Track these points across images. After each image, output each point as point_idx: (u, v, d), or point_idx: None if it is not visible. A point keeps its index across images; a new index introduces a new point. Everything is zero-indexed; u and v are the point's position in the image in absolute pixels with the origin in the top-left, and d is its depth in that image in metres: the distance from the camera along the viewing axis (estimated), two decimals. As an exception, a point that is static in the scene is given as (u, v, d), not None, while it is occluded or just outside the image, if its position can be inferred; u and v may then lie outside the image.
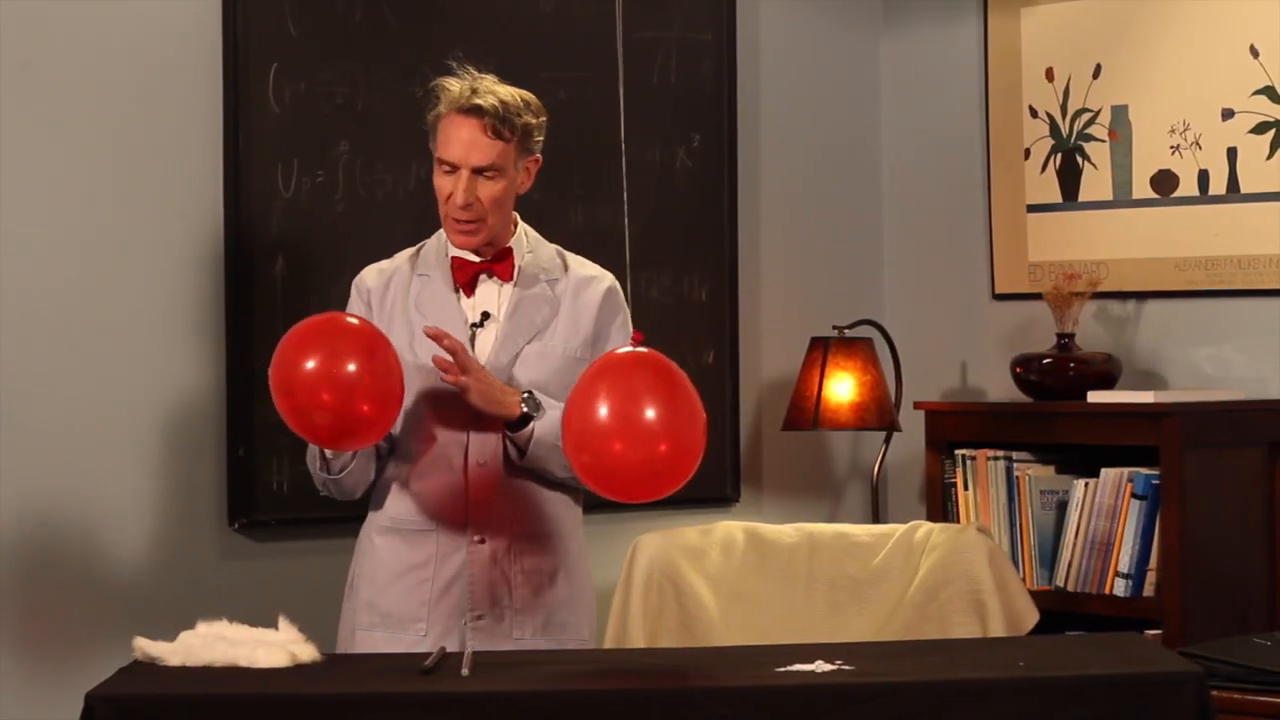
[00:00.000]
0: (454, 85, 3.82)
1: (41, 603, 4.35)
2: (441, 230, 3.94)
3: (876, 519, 5.32)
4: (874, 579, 4.84)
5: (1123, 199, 5.26)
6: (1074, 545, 4.94)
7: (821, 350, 5.25)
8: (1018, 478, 5.07)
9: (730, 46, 5.39)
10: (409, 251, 3.96)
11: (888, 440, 5.36)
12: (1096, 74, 5.30)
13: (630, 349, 3.49)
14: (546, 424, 3.75)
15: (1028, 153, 5.44)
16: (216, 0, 4.57)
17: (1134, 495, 4.83)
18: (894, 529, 4.92)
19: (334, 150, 4.72)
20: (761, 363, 5.48)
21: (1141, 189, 5.22)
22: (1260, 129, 5.00)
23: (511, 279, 3.88)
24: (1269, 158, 4.99)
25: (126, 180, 4.47)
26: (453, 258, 3.88)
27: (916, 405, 5.30)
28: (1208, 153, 5.09)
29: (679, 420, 3.39)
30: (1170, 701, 3.17)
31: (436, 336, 3.71)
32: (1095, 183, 5.30)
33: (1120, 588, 4.83)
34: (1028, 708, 3.16)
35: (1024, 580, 4.91)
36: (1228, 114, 5.05)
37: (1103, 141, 5.29)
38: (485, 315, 3.86)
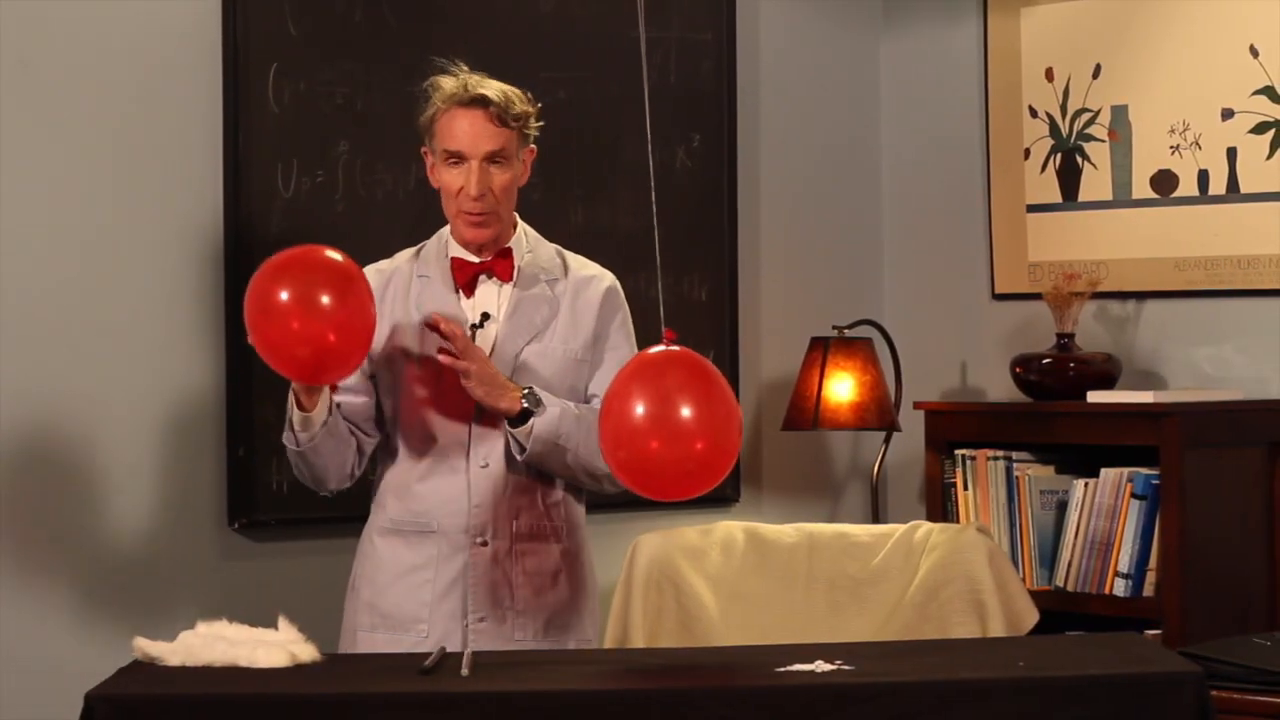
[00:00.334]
0: (448, 82, 3.83)
1: (41, 602, 4.35)
2: (442, 231, 3.93)
3: (876, 519, 5.32)
4: (874, 579, 4.84)
5: (1122, 199, 5.26)
6: (1074, 545, 4.94)
7: (821, 350, 5.25)
8: (1017, 478, 5.07)
9: (730, 46, 5.39)
10: (409, 252, 3.96)
11: (887, 440, 5.36)
12: (1096, 74, 5.30)
13: (664, 347, 3.48)
14: (547, 420, 3.75)
15: (1027, 153, 5.44)
16: (216, 0, 4.57)
17: (1134, 495, 4.83)
18: (894, 529, 4.93)
19: (334, 150, 4.72)
20: (761, 363, 5.48)
21: (1141, 189, 5.22)
22: (1260, 129, 5.00)
23: (511, 279, 3.88)
24: (1269, 158, 4.99)
25: (126, 180, 4.47)
26: (452, 258, 3.88)
27: (916, 405, 5.30)
28: (1207, 153, 5.09)
29: (715, 418, 3.39)
30: (1170, 701, 3.17)
31: (435, 324, 3.70)
32: (1095, 183, 5.30)
33: (1120, 588, 4.83)
34: (1028, 708, 3.16)
35: (1024, 580, 4.91)
36: (1227, 114, 5.05)
37: (1103, 141, 5.29)
38: (485, 316, 3.86)
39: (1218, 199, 5.08)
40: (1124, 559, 4.83)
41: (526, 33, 4.99)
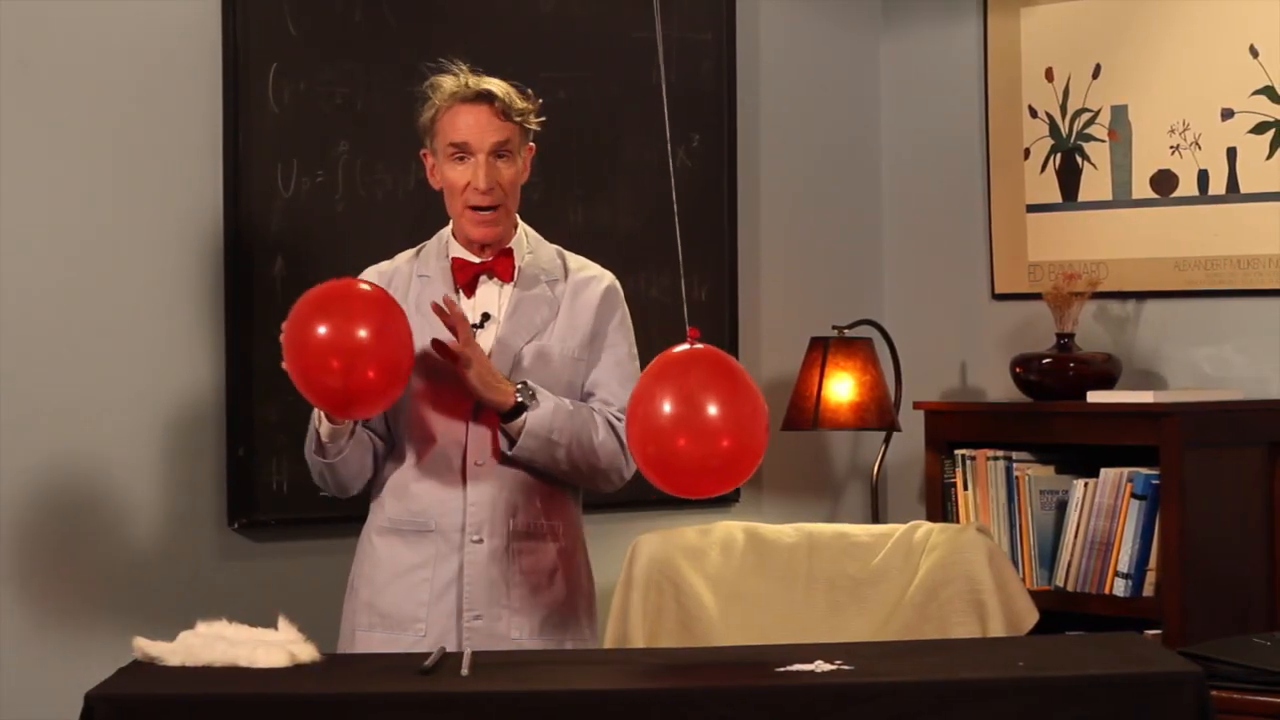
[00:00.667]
0: (449, 80, 3.83)
1: (41, 602, 4.35)
2: (442, 231, 3.93)
3: (876, 519, 5.32)
4: (874, 579, 4.84)
5: (1122, 199, 5.26)
6: (1074, 545, 4.94)
7: (821, 350, 5.25)
8: (1017, 478, 5.07)
9: (730, 46, 5.39)
10: (409, 253, 3.96)
11: (887, 440, 5.36)
12: (1096, 74, 5.30)
13: (688, 346, 3.48)
14: (540, 415, 3.74)
15: (1027, 153, 5.44)
16: (216, 0, 4.57)
17: (1134, 495, 4.83)
18: (894, 529, 4.92)
19: (334, 150, 4.72)
20: (761, 363, 5.48)
21: (1141, 189, 5.22)
22: (1260, 129, 5.00)
23: (511, 280, 3.88)
24: (1269, 158, 4.99)
25: (126, 180, 4.47)
26: (453, 258, 3.88)
27: (916, 405, 5.30)
28: (1207, 153, 5.09)
29: (741, 415, 3.39)
30: (1170, 701, 3.17)
31: (444, 308, 3.69)
32: (1095, 183, 5.30)
33: (1120, 588, 4.83)
34: (1028, 708, 3.15)
35: (1024, 580, 4.91)
36: (1227, 114, 5.05)
37: (1102, 141, 5.29)
38: (485, 316, 3.85)
39: (1218, 199, 5.08)
40: (1124, 559, 4.83)
41: (526, 33, 4.99)
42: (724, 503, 5.32)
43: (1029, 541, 5.04)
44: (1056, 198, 5.39)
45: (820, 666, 3.26)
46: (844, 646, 3.55)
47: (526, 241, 3.92)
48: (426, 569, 3.82)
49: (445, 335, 3.76)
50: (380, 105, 4.74)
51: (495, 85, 3.81)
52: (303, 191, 4.68)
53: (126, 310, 4.47)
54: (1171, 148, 5.16)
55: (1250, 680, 4.31)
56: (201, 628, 3.41)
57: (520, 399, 3.74)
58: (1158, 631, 4.69)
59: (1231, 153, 5.05)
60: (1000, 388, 5.42)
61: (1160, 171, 5.18)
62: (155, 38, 4.51)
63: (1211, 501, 4.78)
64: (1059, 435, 5.01)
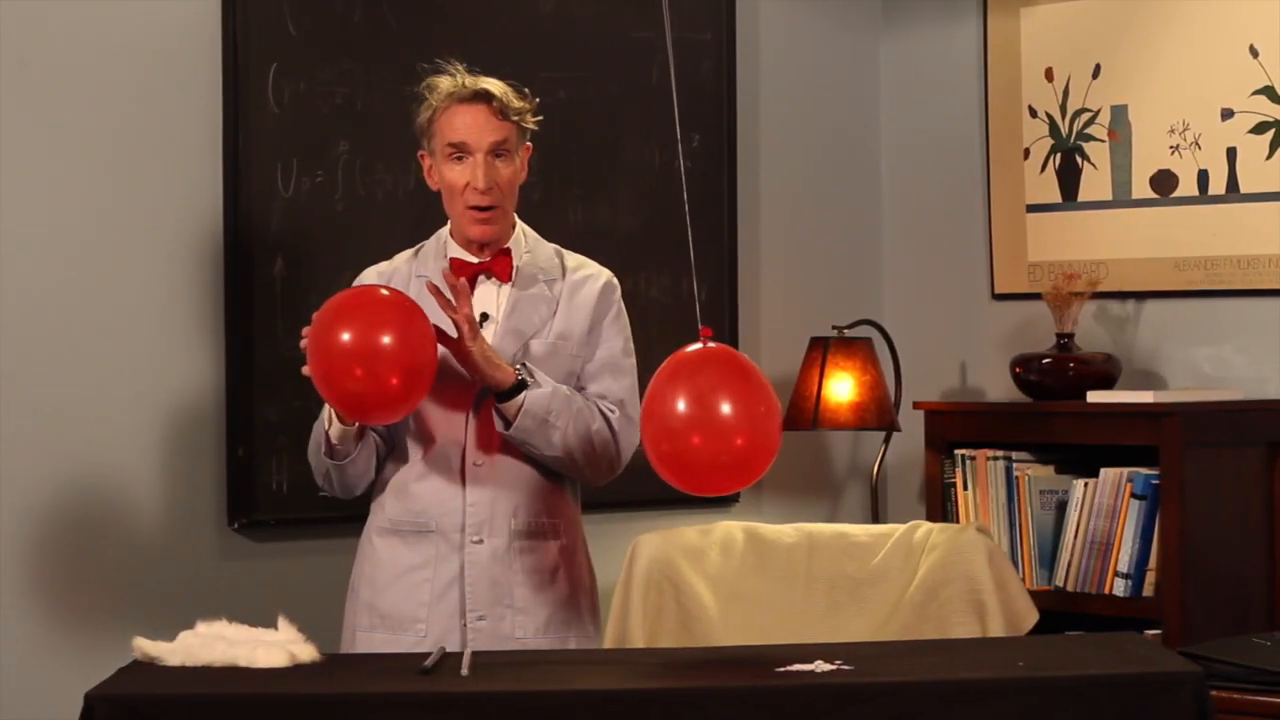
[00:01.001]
0: (445, 81, 3.83)
1: (41, 602, 4.35)
2: (440, 231, 3.93)
3: (876, 519, 5.32)
4: (873, 579, 4.84)
5: (1122, 199, 5.26)
6: (1073, 545, 4.94)
7: (821, 350, 5.26)
8: (1017, 478, 5.07)
9: (730, 46, 5.39)
10: (407, 253, 3.96)
11: (887, 440, 5.36)
12: (1096, 74, 5.30)
13: (701, 345, 3.48)
14: (539, 395, 3.73)
15: (1027, 153, 5.44)
16: (216, 0, 4.57)
17: (1134, 495, 4.83)
18: (893, 529, 4.93)
19: (333, 150, 4.72)
20: (761, 363, 5.47)
21: (1141, 189, 5.22)
22: (1260, 129, 5.00)
23: (509, 279, 3.88)
24: (1268, 158, 4.99)
25: (126, 180, 4.47)
26: (451, 258, 3.87)
27: (916, 405, 5.30)
28: (1207, 153, 5.09)
29: (755, 414, 3.39)
30: (1170, 701, 3.17)
31: (439, 286, 3.68)
32: (1095, 183, 5.30)
33: (1120, 588, 4.83)
34: (1028, 708, 3.16)
35: (1024, 580, 4.91)
36: (1227, 114, 5.06)
37: (1102, 141, 5.29)
38: (484, 316, 3.85)
39: (1217, 199, 5.08)
40: (1124, 559, 4.83)
41: (526, 33, 4.99)
42: (724, 503, 5.32)
43: (1029, 541, 5.04)
44: (1056, 198, 5.39)
45: (820, 666, 3.26)
46: (844, 646, 3.55)
47: (525, 241, 3.91)
48: (427, 569, 3.82)
49: (444, 331, 3.77)
50: (380, 105, 4.75)
51: (492, 85, 3.81)
52: (302, 191, 4.68)
53: (126, 310, 4.47)
54: (1171, 148, 5.16)
55: (1250, 680, 4.31)
56: (201, 628, 3.41)
57: (520, 377, 3.73)
58: (1158, 631, 4.69)
59: (1231, 153, 5.05)
60: (1000, 388, 5.42)
61: (1160, 171, 5.18)
62: (155, 38, 4.51)
63: (1211, 501, 4.78)
64: (1059, 435, 5.01)
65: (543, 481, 3.85)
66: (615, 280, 3.96)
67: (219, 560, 4.58)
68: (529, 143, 3.87)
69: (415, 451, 3.84)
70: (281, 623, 3.44)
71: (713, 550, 4.87)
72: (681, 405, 3.37)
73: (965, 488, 5.15)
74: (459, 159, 3.79)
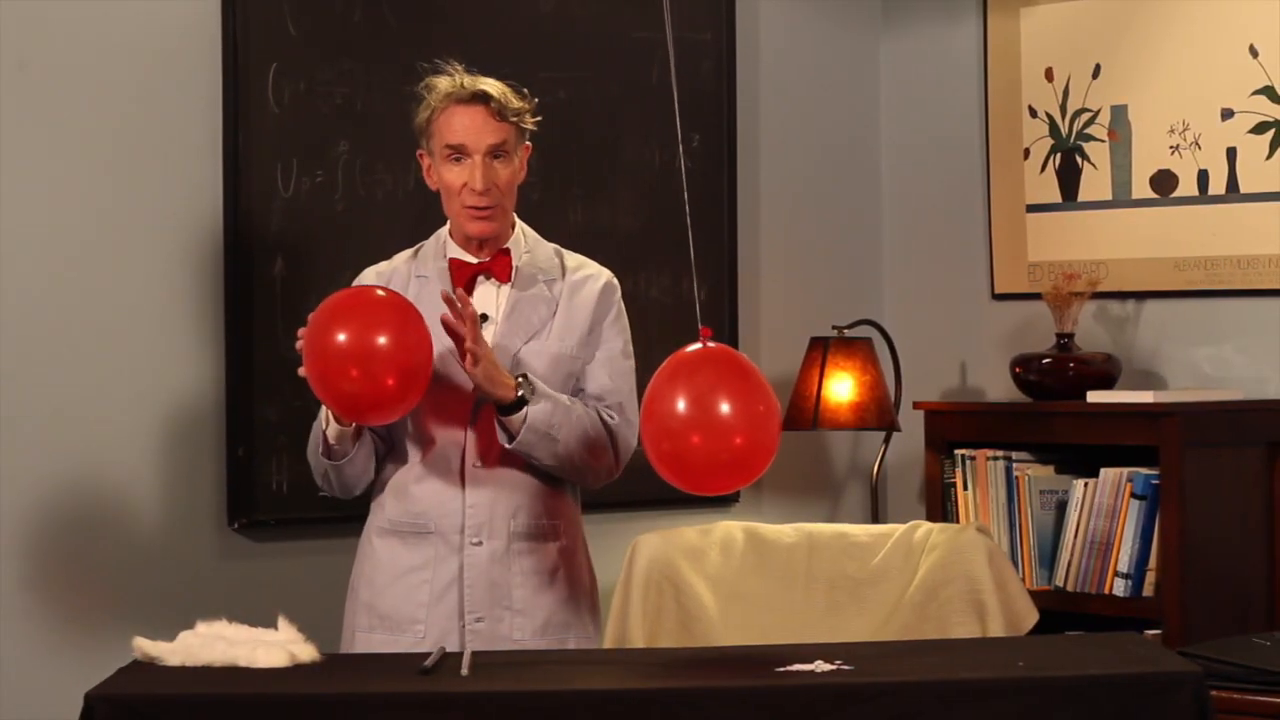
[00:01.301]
0: (444, 81, 3.82)
1: (41, 602, 4.35)
2: (440, 232, 3.93)
3: (876, 519, 5.32)
4: (873, 579, 4.84)
5: (1122, 199, 5.26)
6: (1073, 545, 4.94)
7: (821, 350, 5.26)
8: (1017, 478, 5.07)
9: (730, 46, 5.39)
10: (407, 253, 3.95)
11: (887, 440, 5.36)
12: (1096, 74, 5.30)
13: (700, 345, 3.48)
14: (540, 410, 3.73)
15: (1027, 153, 5.44)
16: (216, 0, 4.57)
17: (1133, 495, 4.83)
18: (893, 529, 4.93)
19: (333, 150, 4.72)
20: (761, 363, 5.48)
21: (1141, 189, 5.22)
22: (1260, 129, 5.00)
23: (509, 280, 3.87)
24: (1268, 158, 4.99)
25: (126, 180, 4.47)
26: (450, 259, 3.87)
27: (916, 405, 5.30)
28: (1207, 153, 5.09)
29: (754, 413, 3.40)
30: (1170, 701, 3.17)
31: (457, 301, 3.68)
32: (1095, 183, 5.30)
33: (1120, 588, 4.83)
34: (1028, 708, 3.16)
35: (1024, 580, 4.91)
36: (1227, 114, 5.06)
37: (1102, 141, 5.29)
38: (483, 317, 3.84)
39: (1217, 199, 5.08)
40: (1124, 559, 4.83)
41: (526, 33, 4.99)
42: (724, 503, 5.33)
43: (1029, 541, 5.04)
44: (1056, 198, 5.39)
45: (820, 666, 3.26)
46: (844, 646, 3.55)
47: (524, 241, 3.91)
48: (426, 570, 3.82)
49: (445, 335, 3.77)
50: (380, 105, 4.74)
51: (491, 85, 3.80)
52: (302, 191, 4.68)
53: (126, 310, 4.47)
54: (1171, 148, 5.16)
55: (1250, 680, 4.31)
56: (201, 628, 3.41)
57: (521, 393, 3.73)
58: (1158, 631, 4.69)
59: (1231, 153, 5.05)
60: (1000, 388, 5.42)
61: (1160, 171, 5.18)
62: (155, 38, 4.51)
63: (1211, 501, 4.78)
64: (1059, 435, 5.01)
65: (543, 483, 3.85)
66: (615, 281, 3.96)
67: (219, 560, 4.58)
68: (528, 143, 3.87)
69: (415, 452, 3.84)
70: (281, 623, 3.44)
71: (713, 550, 4.87)
72: (681, 405, 3.37)
73: (965, 488, 5.15)
74: (457, 160, 3.79)
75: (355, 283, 3.93)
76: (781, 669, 3.25)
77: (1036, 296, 5.25)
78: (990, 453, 5.12)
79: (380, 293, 3.66)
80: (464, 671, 3.27)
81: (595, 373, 3.88)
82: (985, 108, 5.53)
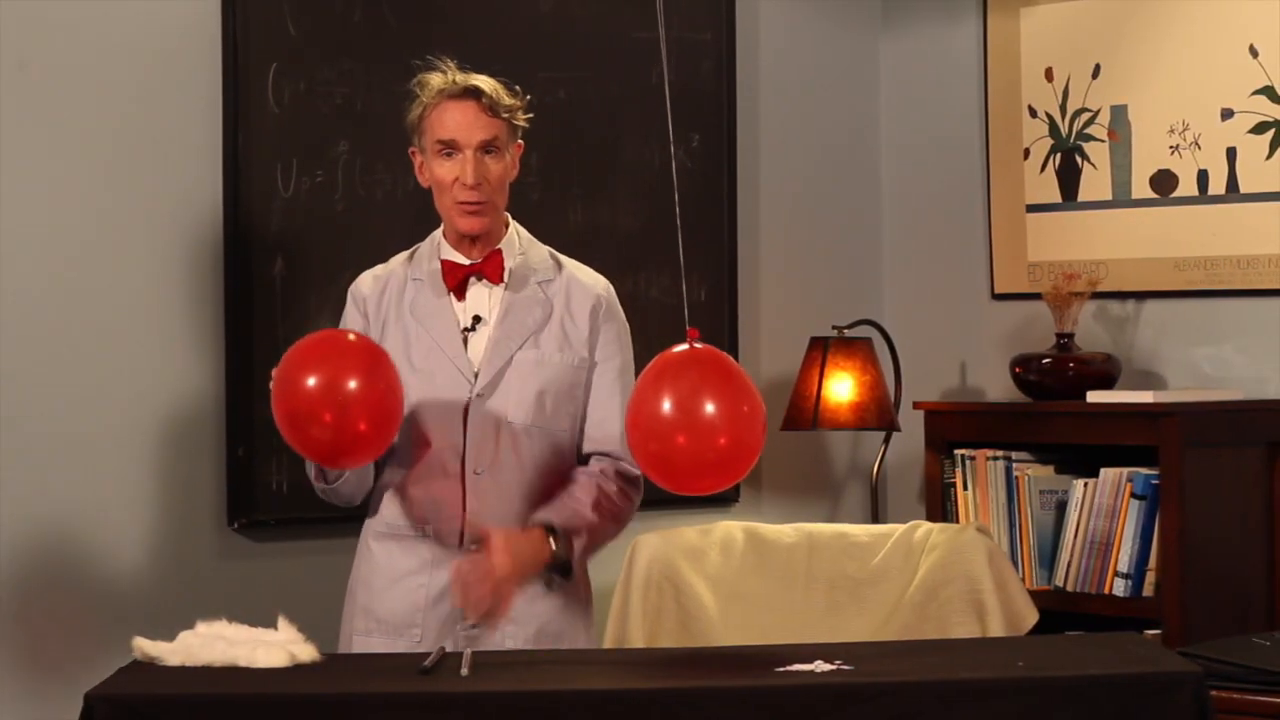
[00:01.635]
0: (436, 77, 3.81)
1: (41, 602, 4.35)
2: (434, 234, 3.91)
3: (876, 519, 5.32)
4: (873, 579, 4.84)
5: (1122, 199, 5.26)
6: (1073, 545, 4.94)
7: (821, 350, 5.25)
8: (1017, 478, 5.07)
9: (730, 46, 5.39)
10: (402, 256, 3.93)
11: (887, 440, 5.36)
12: (1096, 74, 5.30)
13: (687, 346, 3.48)
14: (581, 546, 3.78)
15: (1027, 153, 5.44)
16: (216, 0, 4.57)
17: (1133, 495, 4.83)
18: (893, 529, 4.92)
19: (333, 150, 4.72)
20: (761, 363, 5.48)
21: (1141, 189, 5.22)
22: (1260, 129, 5.00)
23: (501, 281, 3.85)
24: (1268, 158, 4.99)
25: (126, 180, 4.47)
26: (443, 261, 3.85)
27: (916, 405, 5.30)
28: (1207, 153, 5.09)
29: (739, 414, 3.40)
30: (1170, 701, 3.17)
31: (474, 536, 3.72)
32: (1094, 183, 5.31)
33: (1120, 588, 4.83)
34: (1028, 708, 3.16)
35: (1023, 580, 4.91)
36: (1227, 114, 5.06)
37: (1102, 141, 5.29)
38: (476, 319, 3.83)
39: (1217, 199, 5.08)
40: (1124, 559, 4.83)
41: (526, 33, 4.99)
42: (724, 503, 5.33)
43: (1029, 541, 5.04)
44: (1056, 198, 5.39)
45: (820, 666, 3.26)
46: (844, 646, 3.55)
47: (518, 242, 3.88)
48: (423, 575, 3.80)
49: (441, 337, 3.77)
50: (380, 105, 4.74)
51: (482, 81, 3.79)
52: (302, 191, 4.68)
53: (126, 310, 4.47)
54: (1171, 148, 5.16)
55: (1250, 680, 4.31)
56: (201, 628, 3.41)
57: (555, 554, 3.75)
58: (1157, 631, 4.69)
59: (1231, 153, 5.05)
60: (1000, 388, 5.42)
61: (1160, 171, 5.18)
62: (155, 38, 4.51)
63: (1211, 501, 4.78)
64: (1059, 435, 5.01)
65: (543, 491, 3.83)
66: (612, 290, 3.94)
67: (219, 560, 4.58)
68: (520, 140, 3.86)
69: (413, 456, 3.81)
70: (281, 623, 3.43)
71: (712, 550, 4.87)
72: (666, 405, 3.38)
73: (965, 488, 5.15)
74: (448, 155, 3.78)
75: (351, 289, 3.91)
76: (781, 669, 3.25)
77: (1036, 296, 5.25)
78: (990, 453, 5.12)
79: (351, 337, 3.64)
80: (464, 671, 3.27)
81: (604, 419, 3.86)
82: (985, 108, 5.53)
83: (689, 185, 5.30)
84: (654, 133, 5.20)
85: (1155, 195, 5.20)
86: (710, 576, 4.83)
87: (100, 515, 4.43)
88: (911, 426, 5.32)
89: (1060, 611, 4.91)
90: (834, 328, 5.32)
